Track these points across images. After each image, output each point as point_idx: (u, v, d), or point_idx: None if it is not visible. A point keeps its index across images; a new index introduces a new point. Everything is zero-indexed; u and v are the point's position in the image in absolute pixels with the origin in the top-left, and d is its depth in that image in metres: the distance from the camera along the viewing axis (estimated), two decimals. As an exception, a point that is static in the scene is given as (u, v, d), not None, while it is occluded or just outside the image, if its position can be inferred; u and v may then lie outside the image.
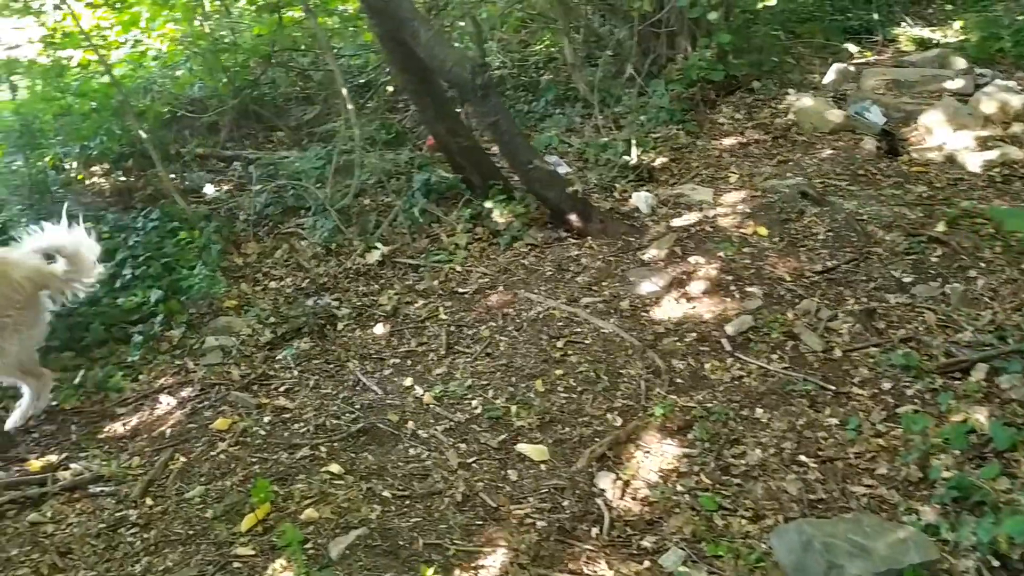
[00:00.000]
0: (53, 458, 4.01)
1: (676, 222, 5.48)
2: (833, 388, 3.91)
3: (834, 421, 3.73)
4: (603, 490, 3.46)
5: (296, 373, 4.49)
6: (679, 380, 4.11)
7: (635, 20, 7.17)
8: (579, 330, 4.55)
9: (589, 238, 5.41)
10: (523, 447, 3.74)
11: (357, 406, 4.15)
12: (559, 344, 4.44)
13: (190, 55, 7.52)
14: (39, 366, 4.30)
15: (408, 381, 4.32)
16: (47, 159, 5.96)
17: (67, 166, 6.27)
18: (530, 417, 3.91)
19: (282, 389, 4.36)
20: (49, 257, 4.20)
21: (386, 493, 3.51)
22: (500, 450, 3.75)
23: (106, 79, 6.37)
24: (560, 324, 4.62)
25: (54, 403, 4.42)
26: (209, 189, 6.58)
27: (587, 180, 6.07)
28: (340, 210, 5.87)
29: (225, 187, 6.63)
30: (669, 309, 4.63)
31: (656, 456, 3.63)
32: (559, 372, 4.22)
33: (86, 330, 4.68)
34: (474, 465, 3.67)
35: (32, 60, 5.84)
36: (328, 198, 5.93)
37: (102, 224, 5.57)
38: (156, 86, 7.30)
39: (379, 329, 4.81)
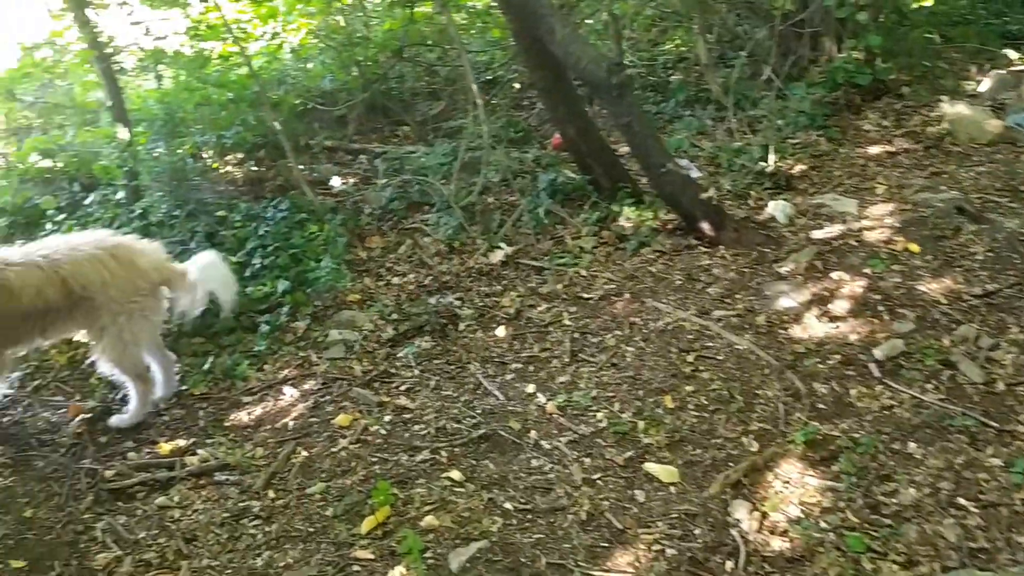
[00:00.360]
0: (182, 442, 4.07)
1: (816, 234, 5.16)
2: (996, 425, 3.55)
3: (997, 462, 3.39)
4: (738, 520, 3.24)
5: (417, 372, 4.43)
6: (821, 405, 3.83)
7: (776, 19, 6.84)
8: (711, 345, 4.33)
9: (721, 247, 5.16)
10: (651, 467, 3.55)
11: (478, 411, 4.05)
12: (689, 358, 4.23)
13: (323, 48, 7.61)
14: (163, 353, 4.38)
15: (530, 388, 4.20)
16: (186, 147, 6.12)
17: (204, 155, 6.43)
18: (659, 435, 3.72)
19: (403, 388, 4.31)
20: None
21: (508, 505, 3.39)
22: (626, 468, 3.57)
23: (244, 71, 6.53)
24: (690, 337, 4.40)
25: (183, 387, 4.50)
26: (336, 182, 6.64)
27: (720, 186, 5.81)
28: (464, 207, 5.81)
29: (351, 180, 6.66)
30: (809, 327, 4.34)
31: (797, 487, 3.38)
32: (689, 388, 4.01)
33: (216, 317, 4.74)
34: (599, 482, 3.51)
35: (178, 51, 6.01)
36: (453, 195, 5.88)
37: (235, 213, 5.68)
38: (290, 78, 7.42)
39: (501, 332, 4.70)
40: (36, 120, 6.56)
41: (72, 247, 3.95)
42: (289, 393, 4.36)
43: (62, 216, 5.83)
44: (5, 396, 4.26)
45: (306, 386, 4.41)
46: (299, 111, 7.29)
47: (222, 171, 6.63)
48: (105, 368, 4.16)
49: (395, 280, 5.39)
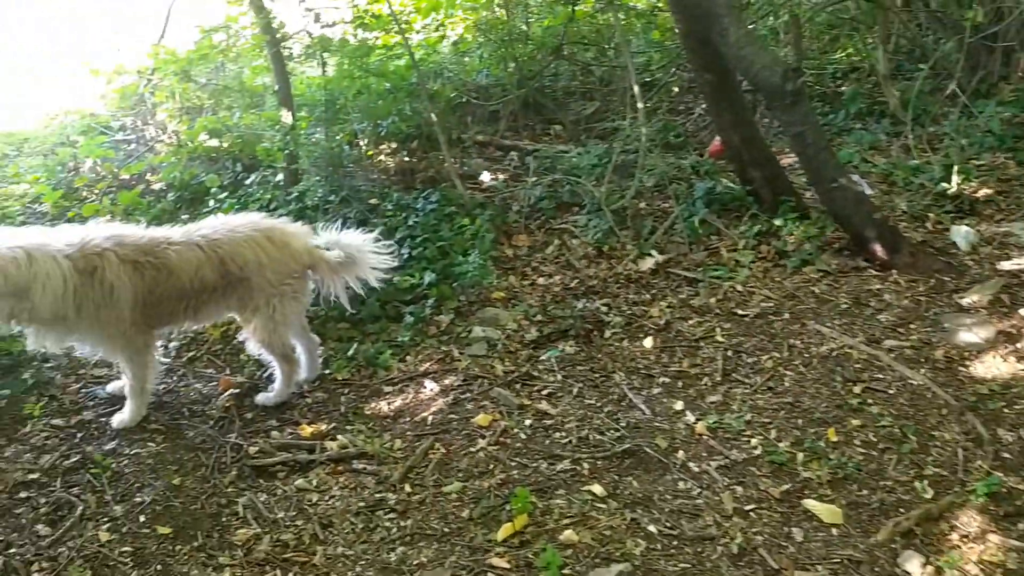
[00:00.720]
0: (323, 426, 4.08)
1: (1004, 265, 4.71)
2: None
3: None
4: (908, 573, 2.93)
5: (559, 377, 4.29)
6: (1006, 455, 3.45)
7: (966, 32, 6.31)
8: (880, 376, 3.99)
9: (894, 271, 4.78)
10: (811, 504, 3.27)
11: (622, 424, 3.87)
12: (856, 389, 3.91)
13: (482, 43, 7.59)
14: (308, 336, 4.41)
15: (678, 405, 3.98)
16: (343, 134, 6.21)
17: (360, 142, 6.51)
18: (820, 470, 3.44)
19: (544, 392, 4.18)
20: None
21: (652, 528, 3.19)
22: (783, 502, 3.31)
23: (402, 61, 6.57)
24: (857, 366, 4.07)
25: (327, 371, 4.53)
26: (485, 176, 6.59)
27: (894, 206, 5.39)
28: (615, 211, 5.63)
29: (501, 176, 6.60)
30: (994, 367, 3.94)
31: (977, 543, 3.04)
32: (856, 422, 3.70)
33: (363, 303, 4.75)
34: (752, 514, 3.26)
35: (344, 39, 6.11)
36: (604, 197, 5.71)
37: (387, 202, 5.71)
38: (446, 71, 7.44)
39: (648, 343, 4.50)
40: (207, 101, 6.83)
41: (230, 229, 4.02)
42: (429, 387, 4.31)
43: (224, 194, 6.03)
44: (162, 365, 4.38)
45: (447, 381, 4.35)
46: (453, 104, 7.30)
47: (375, 159, 6.70)
48: (254, 347, 4.23)
49: (540, 280, 5.27)
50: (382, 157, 6.81)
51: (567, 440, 3.78)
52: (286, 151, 5.67)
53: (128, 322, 3.83)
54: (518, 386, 4.25)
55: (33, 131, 7.96)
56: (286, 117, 5.78)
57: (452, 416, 4.06)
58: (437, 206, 5.68)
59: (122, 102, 7.69)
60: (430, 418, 4.06)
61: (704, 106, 7.08)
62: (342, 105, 5.94)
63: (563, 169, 6.31)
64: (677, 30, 5.38)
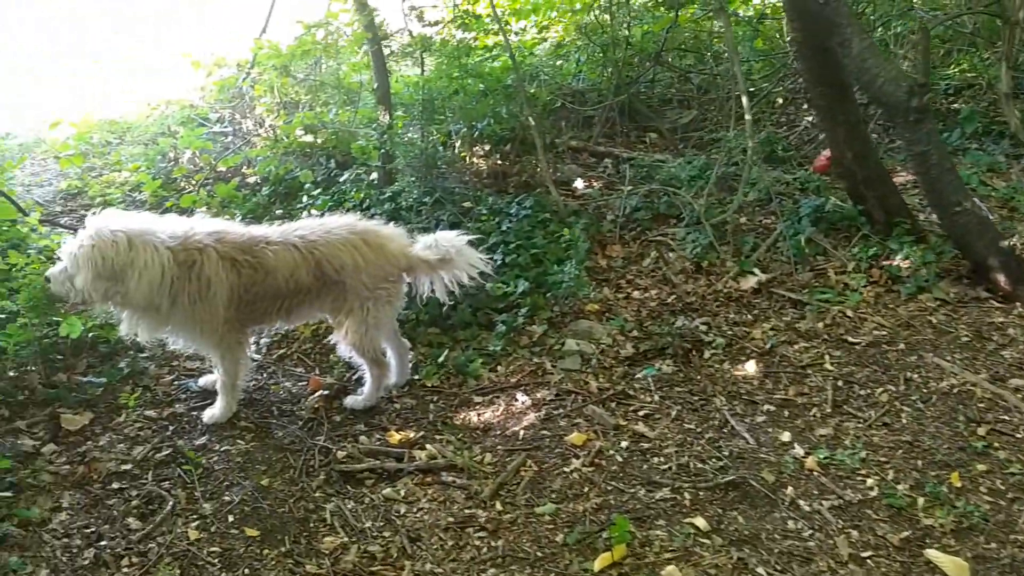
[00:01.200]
0: (411, 434, 3.99)
1: None
2: None
3: None
4: (1046, 642, 2.68)
5: (656, 398, 4.11)
6: None
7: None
8: (1007, 418, 3.71)
9: (1019, 304, 4.46)
10: (934, 554, 3.03)
11: (725, 452, 3.67)
12: (980, 431, 3.64)
13: (579, 46, 7.44)
14: (399, 340, 4.34)
15: (785, 436, 3.76)
16: (438, 135, 6.14)
17: (454, 144, 6.43)
18: (943, 518, 3.19)
19: (641, 413, 4.01)
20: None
21: (760, 570, 3.00)
22: (903, 550, 3.08)
23: (497, 63, 6.47)
24: (981, 406, 3.80)
25: (416, 377, 4.45)
26: (579, 183, 6.44)
27: (1019, 233, 5.05)
28: (715, 225, 5.42)
29: (595, 184, 6.43)
30: None
31: (1123, 614, 2.76)
32: (981, 467, 3.44)
33: (454, 309, 4.66)
34: (869, 561, 3.04)
35: (444, 39, 6.04)
36: (703, 210, 5.50)
37: (480, 205, 5.61)
38: (542, 74, 7.31)
39: (751, 367, 4.29)
40: (304, 96, 6.85)
41: (327, 230, 3.97)
42: (521, 400, 4.18)
43: (317, 191, 6.02)
44: (253, 362, 4.36)
45: (539, 395, 4.22)
46: (548, 109, 7.17)
47: (468, 162, 6.61)
48: (345, 350, 4.16)
49: (636, 294, 5.09)
50: (474, 160, 6.72)
51: (666, 466, 3.60)
52: (382, 150, 5.62)
53: (222, 319, 3.81)
54: (613, 404, 4.09)
55: (135, 120, 8.12)
56: (383, 115, 5.73)
57: (544, 432, 3.93)
58: (531, 212, 5.55)
59: (220, 95, 7.79)
60: (521, 433, 3.94)
61: (813, 119, 6.80)
62: (440, 105, 5.85)
63: (660, 179, 6.11)
64: (791, 38, 5.14)
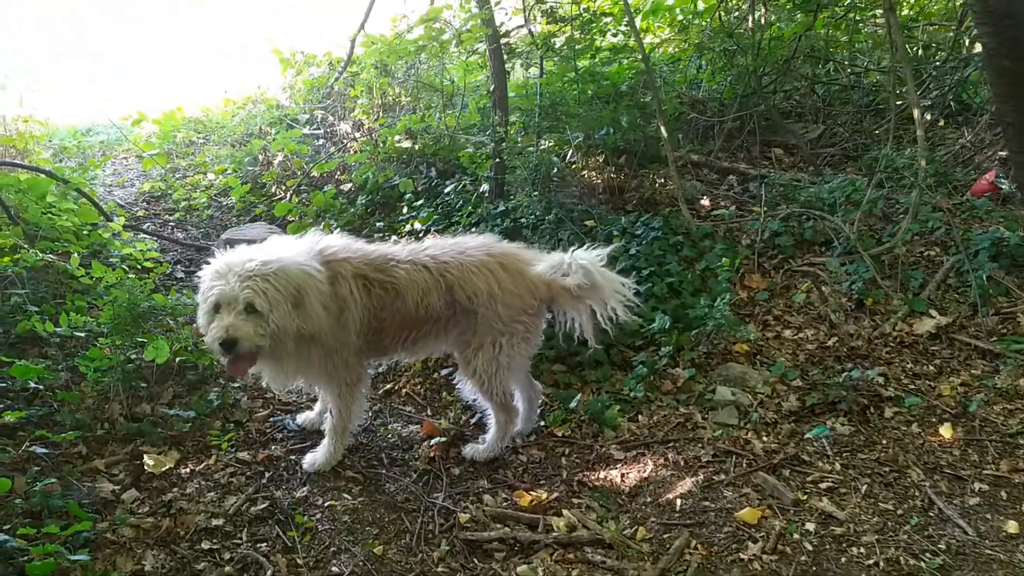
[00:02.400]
0: (543, 495, 3.39)
1: None
2: None
3: None
4: None
5: (838, 466, 3.44)
6: None
7: None
8: None
9: None
10: None
11: (941, 545, 2.99)
12: None
13: (703, 52, 6.79)
14: (530, 381, 3.75)
15: (1011, 526, 3.07)
16: (553, 143, 5.54)
17: (568, 155, 5.83)
18: None
19: (823, 485, 3.34)
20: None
21: None
22: None
23: (613, 67, 5.86)
24: None
25: (542, 423, 3.85)
26: (705, 202, 5.79)
27: None
28: (874, 256, 4.72)
29: (724, 205, 5.78)
30: None
31: None
32: None
33: (583, 344, 4.05)
34: None
35: (570, 38, 5.44)
36: (857, 238, 4.81)
37: (604, 224, 5.00)
38: (662, 81, 6.67)
39: (946, 431, 3.60)
40: (403, 98, 6.33)
41: (460, 251, 3.39)
42: (672, 459, 3.55)
43: (419, 202, 5.47)
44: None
45: (692, 453, 3.58)
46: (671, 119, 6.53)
47: (582, 174, 6.00)
48: (469, 391, 3.59)
49: (787, 333, 4.42)
50: (586, 172, 6.11)
51: (871, 560, 2.93)
52: (496, 159, 5.04)
53: (353, 347, 3.27)
54: (786, 472, 3.43)
55: (220, 119, 7.71)
56: (498, 121, 5.16)
57: (706, 503, 3.29)
58: (660, 234, 4.92)
59: (309, 95, 7.34)
60: (678, 503, 3.30)
61: (971, 138, 6.05)
62: (562, 111, 5.25)
63: (800, 200, 5.44)
64: (982, 45, 4.42)
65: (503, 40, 5.26)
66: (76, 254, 4.19)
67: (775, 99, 7.34)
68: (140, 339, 3.79)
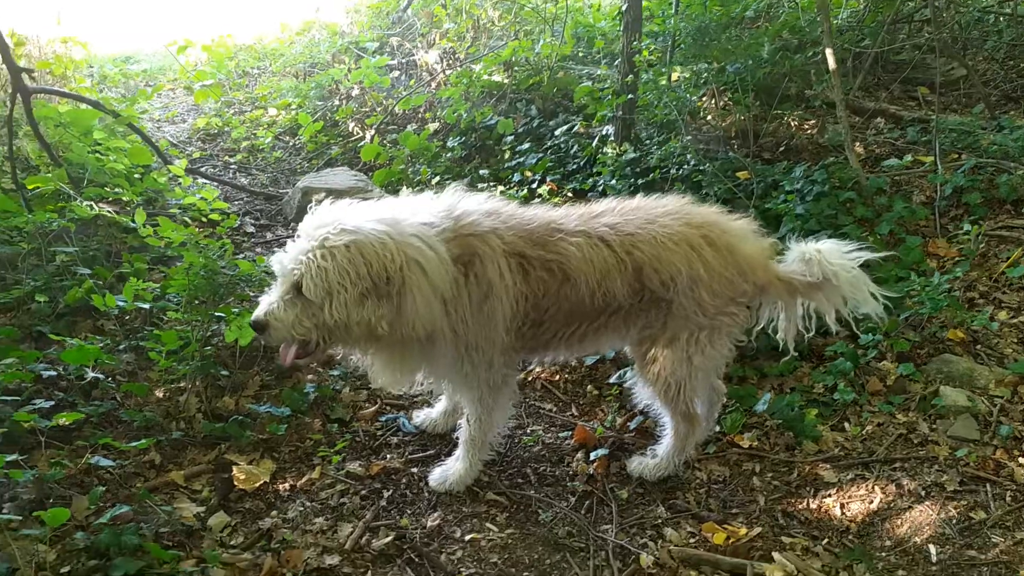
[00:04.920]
0: (740, 528, 2.63)
1: None
2: None
3: None
4: None
5: None
6: None
7: None
8: None
9: None
10: None
11: None
12: None
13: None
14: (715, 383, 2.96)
15: None
16: (686, 76, 4.64)
17: (695, 93, 4.93)
18: None
19: (1124, 530, 2.55)
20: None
21: None
22: None
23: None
24: None
25: (717, 428, 3.07)
26: (857, 149, 4.89)
27: None
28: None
29: (876, 151, 4.89)
30: None
31: None
32: None
33: (767, 334, 3.24)
34: None
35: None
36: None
37: (758, 177, 4.14)
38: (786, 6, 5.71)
39: None
40: (496, 24, 5.43)
41: (647, 219, 2.55)
42: (905, 485, 2.76)
43: (526, 145, 4.62)
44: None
45: (929, 478, 2.79)
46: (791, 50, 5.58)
47: (707, 115, 5.12)
48: (646, 393, 2.79)
49: (1002, 315, 3.58)
50: (711, 115, 5.22)
51: None
52: (628, 94, 4.17)
53: (500, 346, 2.47)
54: (1065, 513, 2.63)
55: (273, 47, 6.83)
56: (628, 49, 4.27)
57: (972, 553, 2.50)
58: (826, 189, 4.07)
59: (376, 20, 6.45)
60: (932, 550, 2.52)
61: None
62: (711, 37, 4.32)
63: (979, 149, 4.54)
64: None
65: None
66: (140, 207, 3.40)
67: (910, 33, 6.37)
68: (219, 314, 3.02)
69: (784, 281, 2.62)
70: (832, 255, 2.60)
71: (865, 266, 2.83)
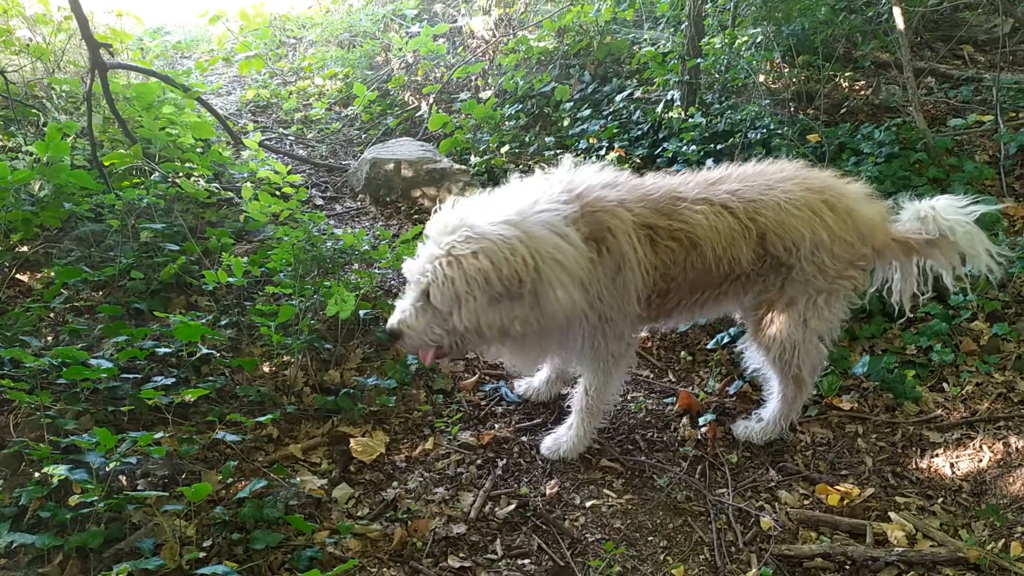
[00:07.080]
0: (853, 489, 2.67)
1: None
2: None
3: None
4: None
5: None
6: None
7: None
8: None
9: None
10: None
11: None
12: None
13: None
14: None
15: None
16: (743, 38, 4.61)
17: (751, 55, 4.91)
18: None
19: None
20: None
21: None
22: None
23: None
24: None
25: (815, 391, 3.10)
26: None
27: None
28: None
29: (931, 110, 4.87)
30: None
31: None
32: None
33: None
34: None
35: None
36: None
37: (827, 139, 4.13)
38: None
39: None
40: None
41: (767, 185, 2.55)
42: (1015, 444, 2.80)
43: (587, 111, 4.60)
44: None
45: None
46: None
47: (762, 78, 5.09)
48: (758, 356, 2.81)
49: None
50: (763, 76, 5.19)
51: None
52: (698, 60, 4.15)
53: (630, 317, 2.49)
54: None
55: (309, 16, 6.75)
56: (694, 11, 4.24)
57: (1087, 509, 2.55)
58: (896, 150, 4.07)
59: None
60: (1058, 513, 2.57)
61: None
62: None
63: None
64: None
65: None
66: (248, 184, 3.39)
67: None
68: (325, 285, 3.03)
69: (900, 242, 2.64)
70: (947, 211, 2.62)
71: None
